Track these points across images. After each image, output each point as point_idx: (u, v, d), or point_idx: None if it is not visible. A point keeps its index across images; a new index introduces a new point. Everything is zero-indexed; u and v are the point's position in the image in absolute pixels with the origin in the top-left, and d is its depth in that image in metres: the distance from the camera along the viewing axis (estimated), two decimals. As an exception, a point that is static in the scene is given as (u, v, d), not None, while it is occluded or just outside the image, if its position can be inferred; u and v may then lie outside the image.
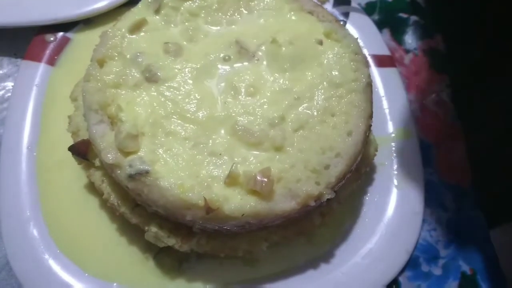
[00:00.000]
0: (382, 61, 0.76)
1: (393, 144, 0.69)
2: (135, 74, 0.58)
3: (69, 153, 0.59)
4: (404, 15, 0.83)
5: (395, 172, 0.67)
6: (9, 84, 0.74)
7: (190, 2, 0.64)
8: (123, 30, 0.61)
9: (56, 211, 0.61)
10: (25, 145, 0.64)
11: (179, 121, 0.55)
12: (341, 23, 0.72)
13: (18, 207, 0.60)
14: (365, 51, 0.74)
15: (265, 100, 0.57)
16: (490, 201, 0.69)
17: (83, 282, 0.57)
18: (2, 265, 0.61)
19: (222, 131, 0.55)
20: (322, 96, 0.58)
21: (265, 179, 0.51)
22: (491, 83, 0.78)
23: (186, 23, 0.62)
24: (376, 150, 0.65)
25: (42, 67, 0.70)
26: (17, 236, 0.59)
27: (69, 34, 0.73)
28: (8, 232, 0.59)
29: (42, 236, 0.59)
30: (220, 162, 0.53)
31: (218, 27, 0.62)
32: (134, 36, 0.61)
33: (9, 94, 0.71)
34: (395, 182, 0.67)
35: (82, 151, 0.58)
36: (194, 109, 0.56)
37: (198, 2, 0.64)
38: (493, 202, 0.69)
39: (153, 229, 0.56)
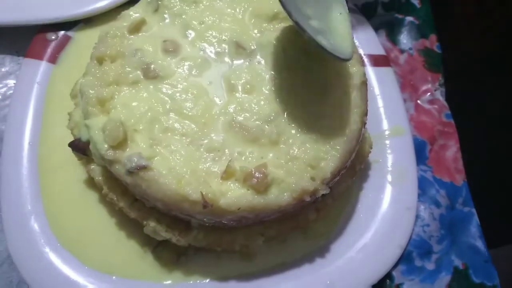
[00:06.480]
0: (377, 61, 0.77)
1: (387, 141, 0.70)
2: (134, 71, 0.58)
3: (70, 149, 0.60)
4: (399, 16, 0.84)
5: (389, 169, 0.68)
6: (11, 82, 0.74)
7: (188, 2, 0.64)
8: (122, 29, 0.61)
9: (56, 206, 0.62)
10: (26, 141, 0.65)
11: (177, 118, 0.56)
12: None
13: (19, 202, 0.61)
14: (361, 51, 0.75)
15: (261, 97, 0.58)
16: (483, 197, 0.70)
17: (83, 275, 0.58)
18: (3, 258, 0.62)
19: (219, 128, 0.56)
20: (318, 94, 0.59)
21: (261, 175, 0.52)
22: (485, 82, 0.79)
23: (185, 22, 0.63)
24: (371, 147, 0.66)
25: (43, 65, 0.71)
26: (18, 230, 0.60)
27: (70, 33, 0.74)
28: (10, 226, 0.60)
29: (43, 230, 0.60)
30: (217, 158, 0.54)
31: (216, 27, 0.63)
32: (133, 35, 0.61)
33: (11, 92, 0.72)
34: (389, 178, 0.68)
35: (82, 147, 0.58)
36: (192, 106, 0.57)
37: (197, 2, 0.65)
38: (486, 198, 0.70)
39: (152, 223, 0.57)
